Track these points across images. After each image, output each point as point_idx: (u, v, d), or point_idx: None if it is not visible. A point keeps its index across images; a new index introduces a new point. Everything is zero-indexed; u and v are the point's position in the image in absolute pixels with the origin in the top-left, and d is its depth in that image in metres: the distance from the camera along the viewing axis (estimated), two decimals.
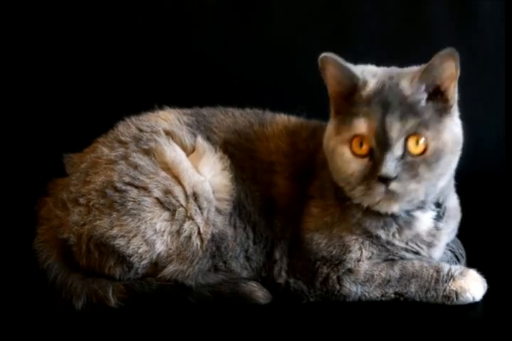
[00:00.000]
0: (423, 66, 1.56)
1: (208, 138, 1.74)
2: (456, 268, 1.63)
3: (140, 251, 1.62)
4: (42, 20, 2.43)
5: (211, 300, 1.64)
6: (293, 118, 1.83)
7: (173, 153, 1.67)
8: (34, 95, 2.45)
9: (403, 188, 1.51)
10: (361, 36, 2.31)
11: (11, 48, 2.43)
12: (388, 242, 1.64)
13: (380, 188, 1.51)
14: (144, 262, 1.63)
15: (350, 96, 1.57)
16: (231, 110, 1.84)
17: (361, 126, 1.53)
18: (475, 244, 1.85)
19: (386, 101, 1.53)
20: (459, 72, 1.55)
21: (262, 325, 1.57)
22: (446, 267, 1.63)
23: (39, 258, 1.69)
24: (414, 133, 1.51)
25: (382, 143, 1.51)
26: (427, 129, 1.52)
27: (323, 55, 1.57)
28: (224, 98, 1.89)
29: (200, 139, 1.72)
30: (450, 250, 1.76)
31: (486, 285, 1.62)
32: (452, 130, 1.57)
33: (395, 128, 1.50)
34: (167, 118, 1.78)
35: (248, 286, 1.66)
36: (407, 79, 1.56)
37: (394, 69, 1.64)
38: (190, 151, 1.71)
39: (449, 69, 1.53)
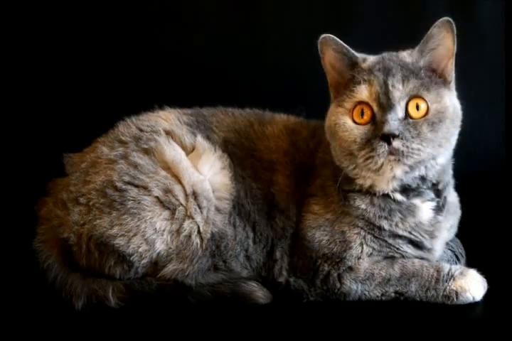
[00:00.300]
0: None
1: (208, 138, 1.75)
2: (457, 268, 1.63)
3: (140, 250, 1.62)
4: (42, 20, 2.43)
5: (211, 300, 1.64)
6: (292, 118, 1.84)
7: (173, 152, 1.67)
8: (34, 95, 2.45)
9: (406, 146, 1.50)
10: (360, 38, 2.30)
11: (11, 48, 2.43)
12: (391, 234, 1.63)
13: (383, 147, 1.50)
14: (144, 261, 1.63)
15: (349, 77, 1.60)
16: (231, 110, 1.85)
17: (362, 92, 1.56)
18: (475, 244, 1.86)
19: (387, 67, 1.57)
20: (455, 47, 1.57)
21: (262, 325, 1.57)
22: (446, 267, 1.63)
23: (39, 258, 1.69)
24: (416, 96, 1.53)
25: (384, 105, 1.53)
26: (429, 92, 1.54)
27: (322, 36, 1.60)
28: (224, 98, 1.89)
29: (200, 138, 1.72)
30: (450, 249, 1.77)
31: (486, 285, 1.62)
32: (452, 100, 1.59)
33: (397, 89, 1.53)
34: (167, 118, 1.78)
35: (248, 286, 1.65)
36: (407, 51, 1.62)
37: None
38: (189, 150, 1.72)
39: (446, 39, 1.56)
